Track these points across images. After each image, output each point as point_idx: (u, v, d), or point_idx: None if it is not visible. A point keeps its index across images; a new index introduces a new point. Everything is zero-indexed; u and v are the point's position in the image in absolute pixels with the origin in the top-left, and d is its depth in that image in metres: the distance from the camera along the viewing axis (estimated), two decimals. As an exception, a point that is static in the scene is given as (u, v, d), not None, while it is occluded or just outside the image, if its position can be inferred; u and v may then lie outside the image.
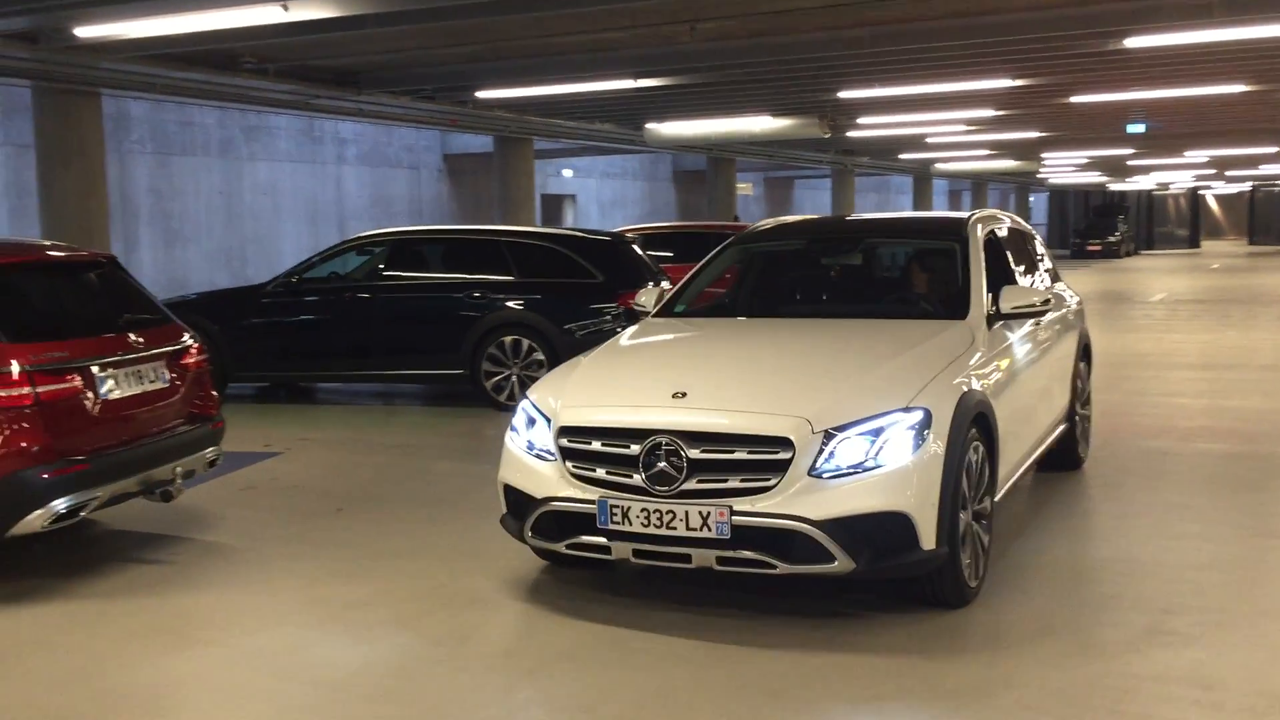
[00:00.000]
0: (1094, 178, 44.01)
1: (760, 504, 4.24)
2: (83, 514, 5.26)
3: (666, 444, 4.35)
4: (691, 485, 4.32)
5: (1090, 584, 5.05)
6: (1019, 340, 5.66)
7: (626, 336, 5.71)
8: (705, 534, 4.27)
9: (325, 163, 22.85)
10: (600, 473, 4.50)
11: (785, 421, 4.33)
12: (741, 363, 5.07)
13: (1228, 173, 42.30)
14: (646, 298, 6.10)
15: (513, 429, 4.92)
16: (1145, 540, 5.70)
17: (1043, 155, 31.91)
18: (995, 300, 5.43)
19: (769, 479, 4.26)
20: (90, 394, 5.29)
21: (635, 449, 4.40)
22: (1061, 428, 6.63)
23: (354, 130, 22.99)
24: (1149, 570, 5.21)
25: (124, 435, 5.47)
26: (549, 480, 4.61)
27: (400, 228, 11.69)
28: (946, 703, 3.84)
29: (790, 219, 7.14)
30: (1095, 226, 45.88)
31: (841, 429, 4.31)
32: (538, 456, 4.70)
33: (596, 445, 4.53)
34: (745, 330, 5.80)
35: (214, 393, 6.31)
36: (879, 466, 4.27)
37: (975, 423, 4.64)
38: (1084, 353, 7.22)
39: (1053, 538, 5.79)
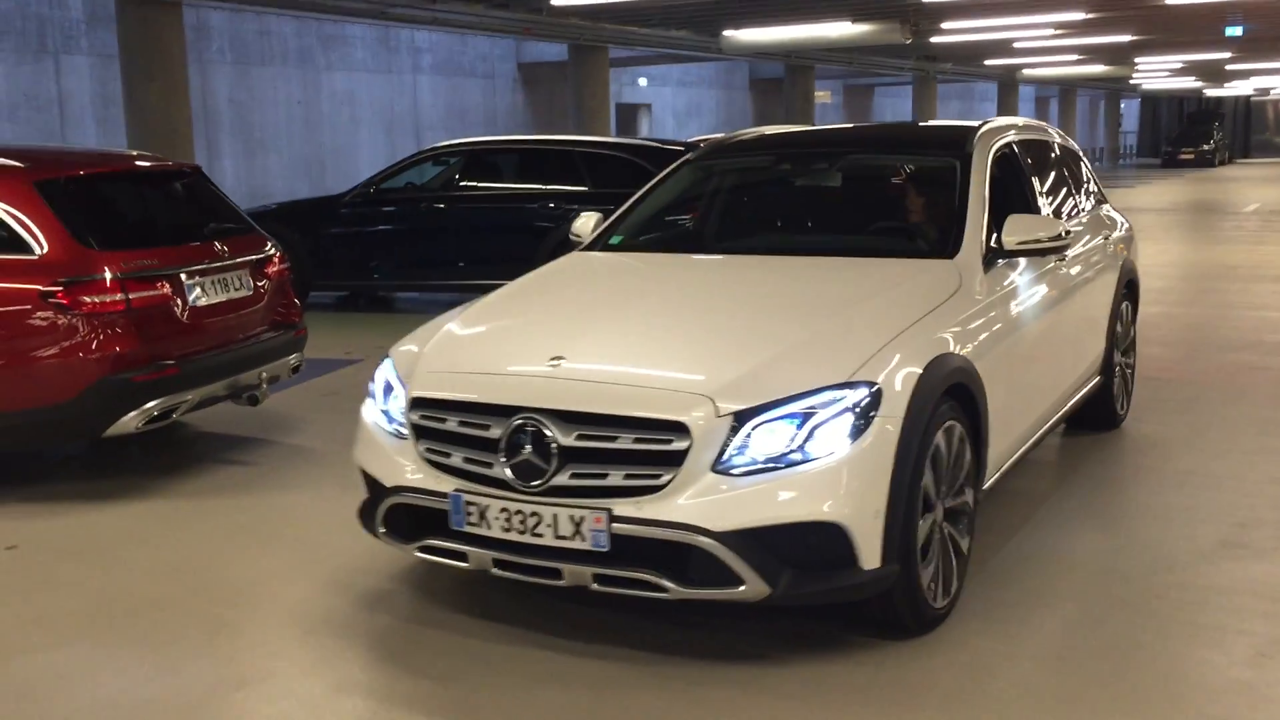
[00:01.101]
0: (1189, 83, 42.40)
1: (648, 508, 3.26)
2: (174, 416, 5.47)
3: (534, 425, 3.38)
4: (564, 480, 3.34)
5: (1164, 496, 5.03)
6: (1029, 283, 4.54)
7: (533, 275, 4.66)
8: (578, 544, 3.31)
9: (401, 72, 22.88)
10: (457, 459, 3.54)
11: (681, 399, 3.32)
12: (652, 317, 3.96)
13: (1332, 77, 40.43)
14: (583, 224, 5.01)
15: (370, 394, 3.97)
16: (1223, 453, 5.64)
17: (1135, 60, 30.78)
18: (998, 234, 4.38)
19: (660, 475, 3.27)
20: (179, 301, 5.46)
21: (496, 430, 3.44)
22: (1093, 382, 5.58)
23: (429, 40, 22.95)
24: (1225, 483, 5.17)
25: (211, 341, 5.65)
26: (400, 465, 3.68)
27: (475, 138, 11.72)
28: (1007, 611, 3.88)
29: (761, 129, 5.82)
30: (1188, 134, 44.47)
31: (757, 411, 3.30)
32: (394, 434, 3.76)
33: (452, 423, 3.56)
34: (678, 272, 4.62)
35: (296, 301, 6.47)
36: (806, 461, 3.26)
37: (951, 395, 3.66)
38: (1128, 291, 6.08)
39: (1127, 449, 5.74)
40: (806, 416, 3.31)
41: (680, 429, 3.27)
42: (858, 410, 3.33)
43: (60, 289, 5.06)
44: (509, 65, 25.23)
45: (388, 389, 3.88)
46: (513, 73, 25.40)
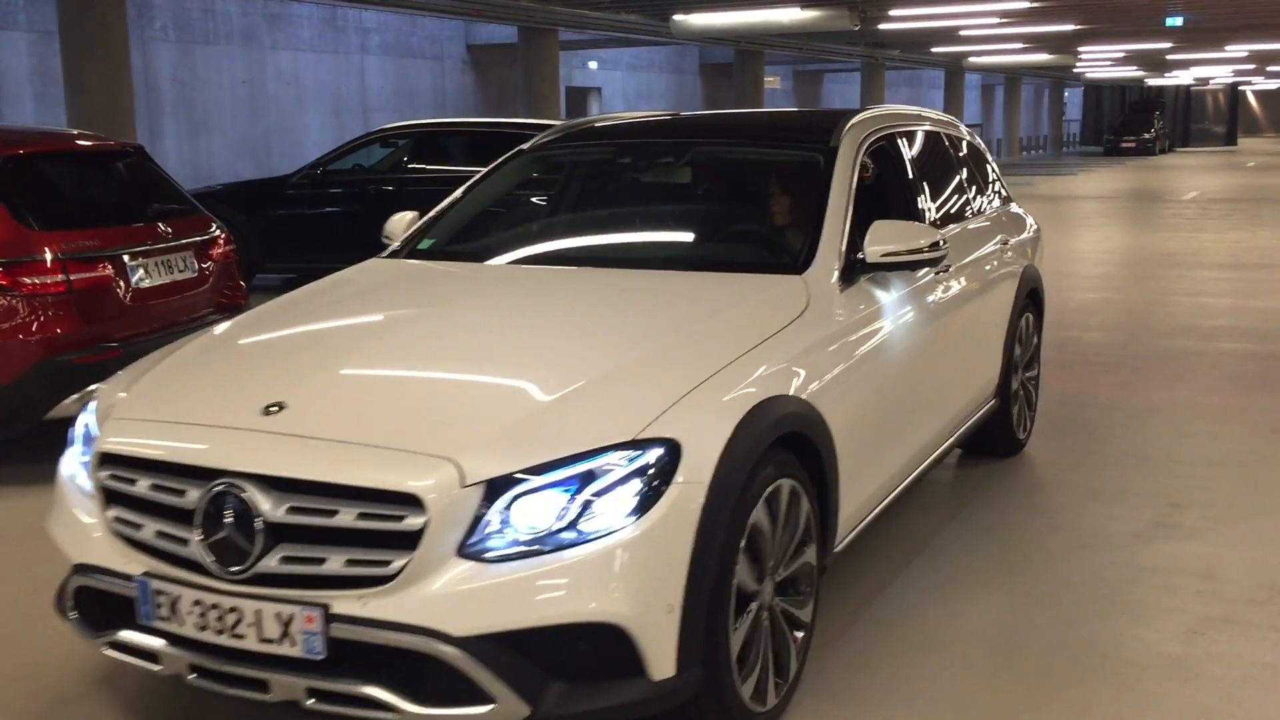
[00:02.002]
0: (1131, 72, 43.02)
1: (374, 604, 2.54)
2: (117, 399, 5.40)
3: (236, 493, 2.63)
4: (272, 565, 2.60)
5: (1100, 479, 5.14)
6: (901, 300, 3.88)
7: (304, 290, 3.95)
8: (288, 649, 2.60)
9: (348, 53, 22.63)
10: (149, 532, 2.79)
11: (416, 463, 2.59)
12: (416, 348, 3.21)
13: (1269, 68, 41.24)
14: (395, 224, 4.37)
15: (70, 441, 3.19)
16: (1158, 436, 5.77)
17: (1079, 49, 31.19)
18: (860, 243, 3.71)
19: (389, 561, 2.54)
20: (121, 282, 5.40)
21: (193, 498, 2.70)
22: (988, 406, 4.96)
23: (377, 20, 22.71)
24: (1160, 466, 5.29)
25: (155, 323, 5.59)
26: (87, 535, 2.94)
27: (424, 120, 11.64)
28: (947, 590, 3.96)
29: (602, 117, 4.99)
30: (1130, 123, 45.14)
31: (516, 479, 2.58)
32: (90, 494, 2.98)
33: (144, 485, 2.81)
34: (474, 287, 3.81)
35: (241, 283, 6.41)
36: (579, 542, 2.55)
37: (786, 446, 3.02)
38: (1030, 302, 5.42)
39: (1066, 432, 5.86)
40: (582, 484, 2.58)
41: (412, 502, 2.52)
42: (648, 475, 2.60)
43: (1, 269, 4.98)
44: (458, 47, 25.04)
45: (88, 438, 3.06)
46: (462, 54, 25.21)
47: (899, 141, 4.49)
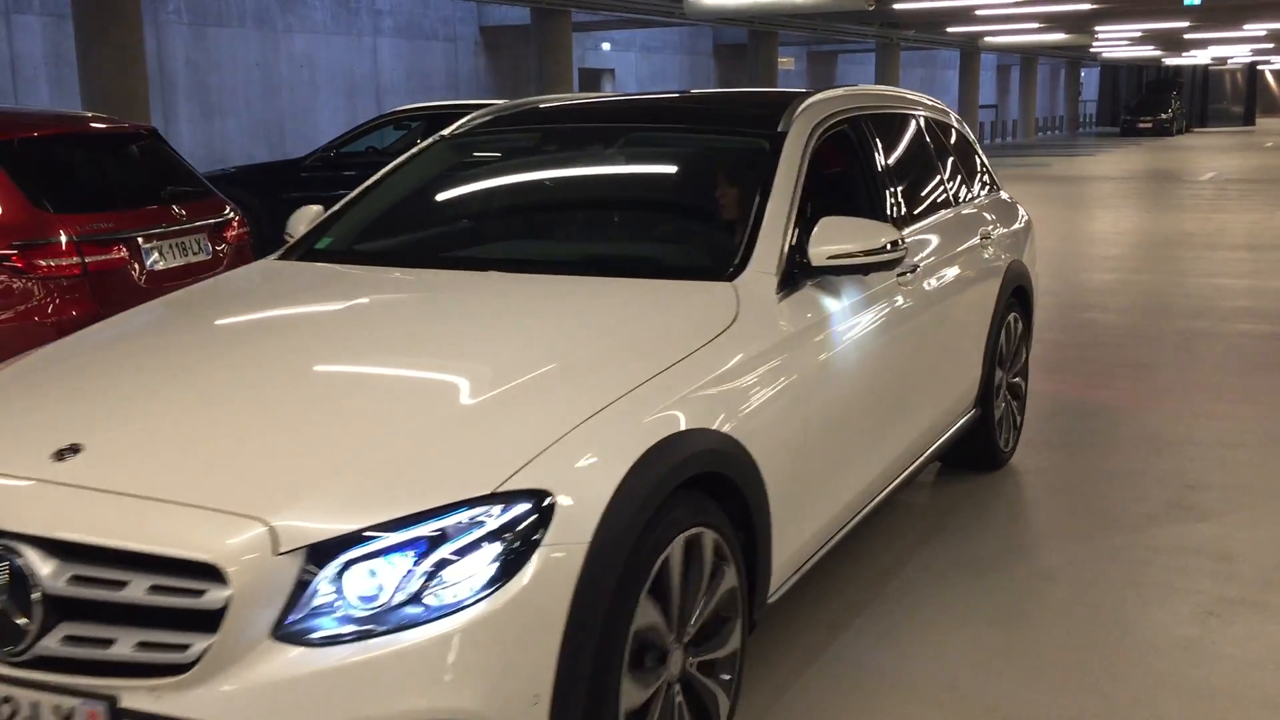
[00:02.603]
0: (1148, 52, 42.68)
1: (169, 698, 2.07)
2: (133, 381, 5.43)
3: (12, 559, 2.16)
4: (53, 646, 2.14)
5: (1116, 459, 5.12)
6: (855, 307, 3.40)
7: (165, 299, 3.54)
8: None
9: (361, 35, 22.60)
10: None
11: (217, 526, 2.11)
12: (251, 378, 2.65)
13: (1288, 47, 40.87)
14: (298, 219, 3.89)
15: None
16: (1174, 418, 5.75)
17: (1095, 29, 30.94)
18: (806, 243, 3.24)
19: (188, 645, 2.08)
20: (136, 265, 5.41)
21: None
22: (968, 416, 4.48)
23: (390, 2, 22.68)
24: (1175, 447, 5.27)
25: (170, 305, 5.60)
26: None
27: (437, 102, 11.63)
28: (965, 570, 3.95)
29: (530, 100, 4.44)
30: (1146, 103, 44.82)
31: (346, 542, 2.10)
32: None
33: None
34: (357, 297, 3.29)
35: (256, 265, 6.42)
36: (421, 620, 2.09)
37: (699, 490, 2.58)
38: (1016, 300, 4.92)
39: (1082, 413, 5.84)
40: (430, 548, 2.11)
41: (211, 573, 2.05)
42: (509, 537, 2.13)
43: (15, 252, 5.00)
44: (471, 29, 24.98)
45: None
46: (475, 36, 25.16)
47: (863, 126, 3.97)
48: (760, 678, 3.21)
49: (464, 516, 2.14)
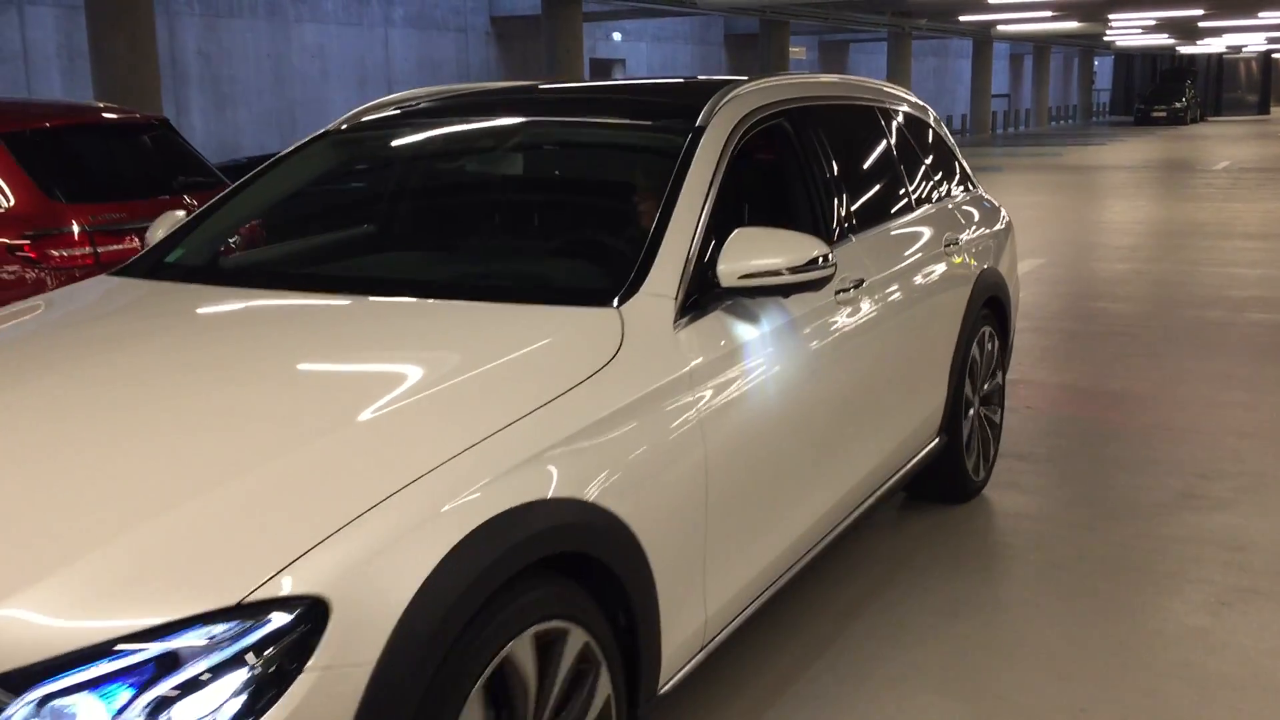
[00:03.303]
0: (1162, 40, 42.43)
1: None
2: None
3: None
4: None
5: (1128, 448, 5.10)
6: (780, 333, 2.91)
7: None
8: None
9: (372, 25, 22.61)
10: None
11: None
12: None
13: (1304, 35, 40.63)
14: (156, 228, 3.43)
15: None
16: (1187, 407, 5.72)
17: (1109, 17, 30.78)
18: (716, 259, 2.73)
19: None
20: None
21: None
22: (930, 445, 4.02)
23: (401, -9, 22.68)
24: (1188, 436, 5.25)
25: (182, 295, 5.62)
26: None
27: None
28: (974, 563, 3.94)
29: (426, 90, 3.86)
30: (1160, 92, 44.60)
31: (44, 672, 1.62)
32: None
33: None
34: (151, 332, 2.71)
35: (267, 255, 6.43)
36: None
37: (558, 572, 2.14)
38: (990, 312, 4.45)
39: (1091, 404, 5.82)
40: (156, 676, 1.63)
41: None
42: (264, 659, 1.66)
43: (27, 242, 5.02)
44: (482, 19, 24.97)
45: None
46: (485, 26, 25.15)
47: (806, 120, 3.49)
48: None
49: (201, 635, 1.64)
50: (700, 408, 2.54)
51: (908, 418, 3.77)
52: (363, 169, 3.88)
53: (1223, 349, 7.00)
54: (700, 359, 2.59)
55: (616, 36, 28.71)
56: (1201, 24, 33.48)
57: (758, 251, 2.69)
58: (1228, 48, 47.58)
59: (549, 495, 2.09)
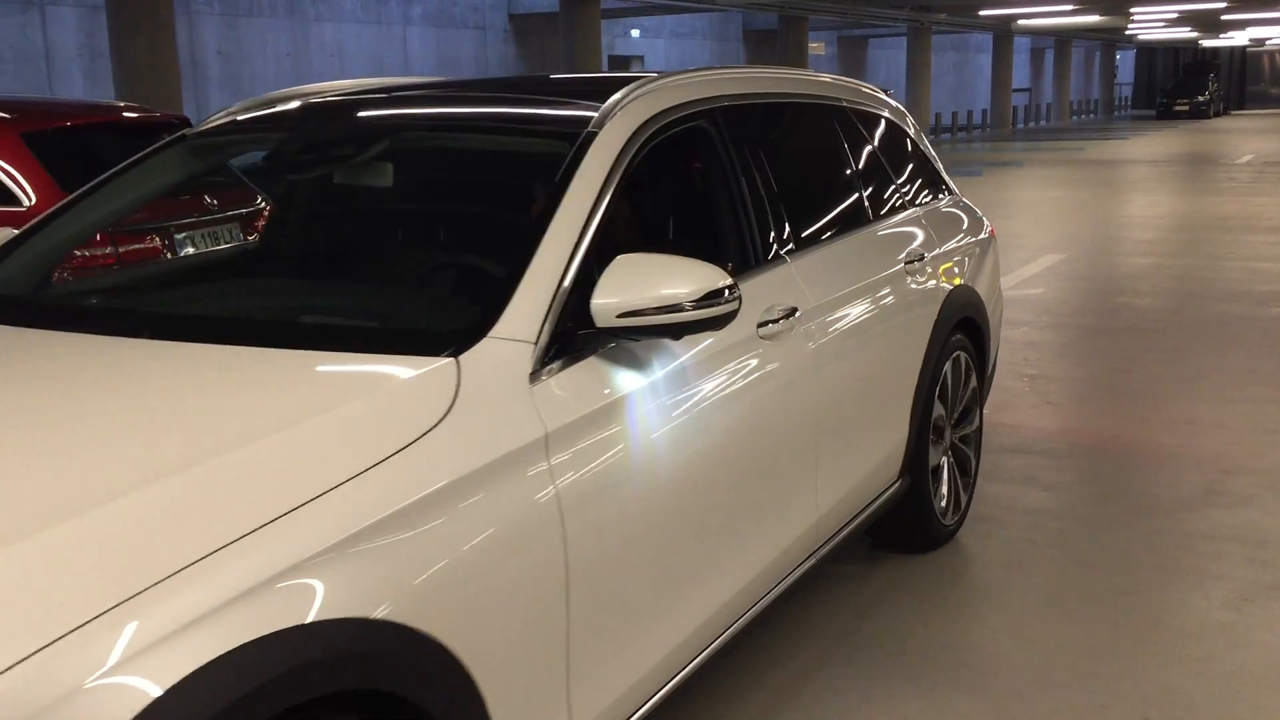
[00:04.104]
0: (1185, 34, 42.15)
1: None
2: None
3: None
4: None
5: (1149, 444, 5.07)
6: (676, 379, 2.43)
7: None
8: None
9: (391, 23, 22.67)
10: None
11: None
12: None
13: (1328, 27, 40.27)
14: None
15: None
16: (1209, 403, 5.68)
17: (1131, 10, 30.57)
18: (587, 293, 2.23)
19: None
20: (169, 255, 5.45)
21: None
22: (889, 491, 3.57)
23: (419, -10, 22.74)
24: (1210, 432, 5.21)
25: (202, 293, 5.66)
26: None
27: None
28: (997, 554, 3.93)
29: (294, 90, 3.27)
30: (1183, 85, 44.33)
31: None
32: None
33: None
34: None
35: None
36: None
37: (353, 709, 1.67)
38: (963, 337, 3.98)
39: (1112, 400, 5.78)
40: None
41: None
42: None
43: (50, 241, 5.06)
44: (500, 16, 25.00)
45: None
46: (504, 24, 25.17)
47: (735, 122, 3.01)
48: None
49: None
50: (560, 482, 2.04)
51: (859, 462, 3.29)
52: (212, 181, 3.21)
53: (1245, 344, 6.95)
54: (564, 419, 2.09)
55: (634, 33, 28.70)
56: (1224, 17, 33.21)
57: (641, 283, 2.20)
58: (1251, 41, 47.19)
59: (311, 618, 1.57)
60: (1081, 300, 8.51)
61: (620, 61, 28.54)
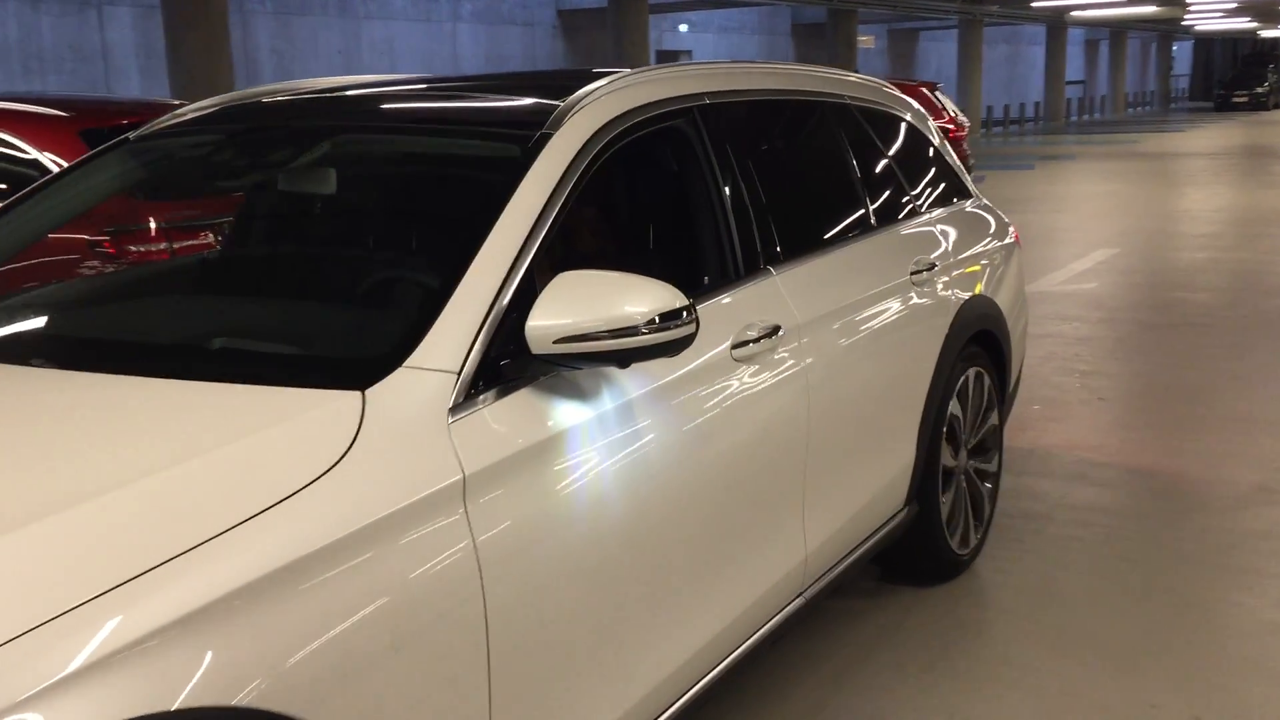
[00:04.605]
0: (1243, 24, 41.35)
1: None
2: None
3: None
4: None
5: (1203, 441, 5.00)
6: (636, 407, 2.18)
7: None
8: None
9: (440, 21, 22.82)
10: None
11: None
12: None
13: (1393, 16, 39.34)
14: None
15: None
16: (1265, 399, 5.59)
17: (1188, 0, 30.07)
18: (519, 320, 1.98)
19: None
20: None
21: None
22: (894, 520, 3.28)
23: (468, -14, 22.87)
24: (1265, 429, 5.13)
25: (255, 288, 5.74)
26: None
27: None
28: (1046, 551, 3.89)
29: (242, 93, 3.01)
30: (1242, 77, 43.57)
31: None
32: None
33: None
34: None
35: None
36: None
37: None
38: (979, 352, 3.69)
39: (1165, 396, 5.71)
40: None
41: None
42: None
43: (107, 238, 5.15)
44: (549, 12, 25.08)
45: None
46: (552, 20, 25.25)
47: (716, 122, 2.73)
48: (833, 657, 3.19)
49: None
50: (479, 535, 1.76)
51: (857, 491, 3.02)
52: (130, 191, 3.07)
53: (1303, 340, 6.83)
54: (488, 459, 1.82)
55: (683, 28, 28.68)
56: (1285, 6, 32.59)
57: (584, 305, 1.93)
58: (1313, 30, 46.24)
59: (155, 709, 1.34)
60: (1135, 295, 8.40)
61: (668, 56, 28.54)
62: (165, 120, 2.87)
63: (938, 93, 14.51)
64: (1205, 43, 53.00)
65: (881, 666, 3.14)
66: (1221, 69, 50.96)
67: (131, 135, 2.85)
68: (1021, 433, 5.07)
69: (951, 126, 13.74)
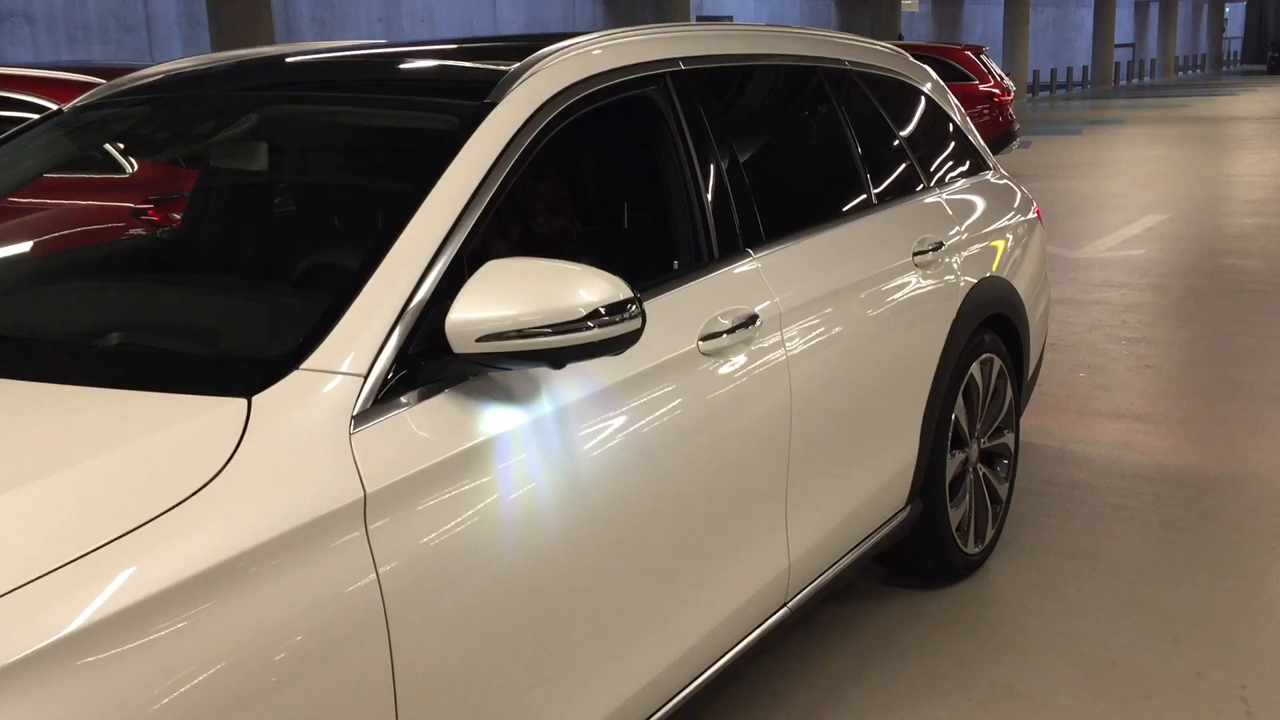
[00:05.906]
0: (1300, -16, 40.38)
1: None
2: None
3: None
4: None
5: (1253, 409, 4.91)
6: (579, 410, 1.94)
7: None
8: None
9: (481, -12, 22.74)
10: None
11: None
12: None
13: None
14: None
15: None
16: (1318, 368, 5.49)
17: (1241, -40, 29.36)
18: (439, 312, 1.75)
19: None
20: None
21: None
22: (897, 519, 3.05)
23: (508, -47, 22.76)
24: (1319, 398, 5.04)
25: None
26: None
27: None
28: (1090, 518, 3.85)
29: (183, 62, 2.80)
30: (1297, 38, 42.52)
31: None
32: None
33: None
34: None
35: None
36: None
37: None
38: (992, 338, 3.40)
39: (1214, 364, 5.61)
40: None
41: None
42: None
43: (151, 206, 5.19)
44: (589, -22, 24.91)
45: None
46: (593, -14, 25.09)
47: (690, 91, 2.49)
48: (874, 624, 3.18)
49: None
50: (383, 563, 1.56)
51: (851, 491, 2.79)
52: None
53: (1358, 306, 6.69)
54: (396, 474, 1.60)
55: (724, -7, 28.40)
56: (1343, -35, 31.73)
57: (512, 297, 1.71)
58: (1372, -10, 45.06)
59: None
60: (1184, 261, 8.25)
61: (709, 20, 28.30)
62: (102, 90, 2.65)
63: (983, 56, 14.30)
64: (1259, 3, 51.79)
65: (930, 628, 3.12)
66: (1276, 31, 49.80)
67: (67, 106, 2.66)
68: (1068, 400, 5.01)
69: (997, 91, 13.54)
